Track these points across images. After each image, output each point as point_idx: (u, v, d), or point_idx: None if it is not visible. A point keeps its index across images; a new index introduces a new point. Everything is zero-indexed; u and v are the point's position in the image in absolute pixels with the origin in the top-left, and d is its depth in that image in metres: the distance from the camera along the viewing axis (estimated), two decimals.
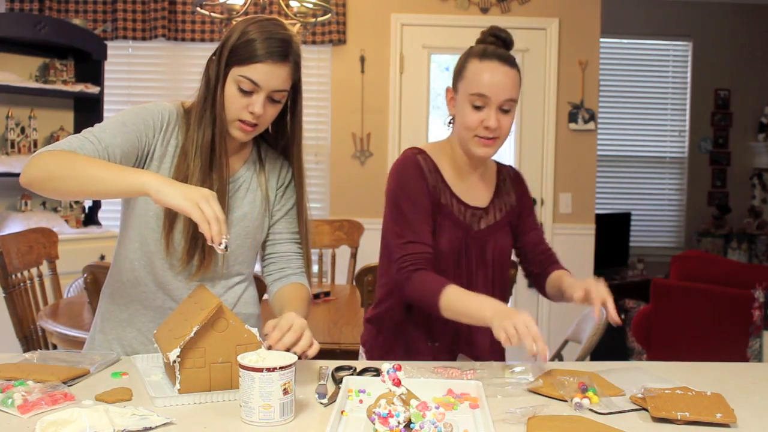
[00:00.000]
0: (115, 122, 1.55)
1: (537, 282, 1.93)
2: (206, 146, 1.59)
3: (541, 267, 1.91)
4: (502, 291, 1.86)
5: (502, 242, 1.86)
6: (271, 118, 1.61)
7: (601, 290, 1.63)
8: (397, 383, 1.24)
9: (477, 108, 1.71)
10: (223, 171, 1.61)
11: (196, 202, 1.34)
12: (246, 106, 1.55)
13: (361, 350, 1.93)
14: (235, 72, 1.54)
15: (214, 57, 1.59)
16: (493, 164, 1.93)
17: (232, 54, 1.55)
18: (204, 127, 1.59)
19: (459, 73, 1.77)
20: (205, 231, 1.35)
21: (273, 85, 1.55)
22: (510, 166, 1.98)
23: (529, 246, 1.92)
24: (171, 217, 1.58)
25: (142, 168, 1.59)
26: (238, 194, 1.68)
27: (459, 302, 1.63)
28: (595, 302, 1.61)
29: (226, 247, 1.36)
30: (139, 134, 1.56)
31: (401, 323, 1.83)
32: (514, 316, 1.50)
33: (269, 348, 1.39)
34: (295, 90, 1.64)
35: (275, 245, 1.75)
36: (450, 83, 1.81)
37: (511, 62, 1.74)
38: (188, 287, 1.62)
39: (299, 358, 1.37)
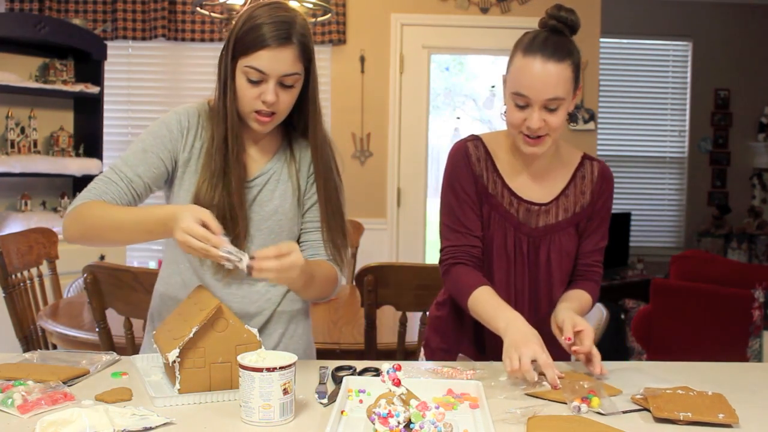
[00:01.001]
0: (137, 150, 1.59)
1: None
2: (221, 142, 1.58)
3: (573, 277, 1.77)
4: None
5: (559, 245, 1.71)
6: (288, 104, 1.57)
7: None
8: (397, 383, 1.23)
9: (519, 107, 1.59)
10: (240, 166, 1.59)
11: (184, 244, 1.37)
12: (258, 96, 1.53)
13: (422, 352, 1.88)
14: (242, 63, 1.52)
15: (224, 51, 1.58)
16: (576, 157, 1.77)
17: (237, 45, 1.53)
18: (219, 122, 1.59)
19: (508, 64, 1.64)
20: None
21: (280, 70, 1.52)
22: (598, 162, 1.77)
23: (579, 254, 1.75)
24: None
25: (174, 176, 1.63)
26: (268, 187, 1.65)
27: (481, 306, 1.60)
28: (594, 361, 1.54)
29: (248, 269, 1.38)
30: (161, 154, 1.59)
31: (449, 321, 1.80)
32: (521, 346, 1.45)
33: (251, 259, 1.38)
34: (307, 71, 1.59)
35: (306, 233, 1.71)
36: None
37: (559, 56, 1.57)
38: (229, 288, 1.63)
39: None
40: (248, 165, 1.65)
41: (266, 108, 1.54)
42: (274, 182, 1.66)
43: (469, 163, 1.70)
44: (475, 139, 1.74)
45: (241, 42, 1.52)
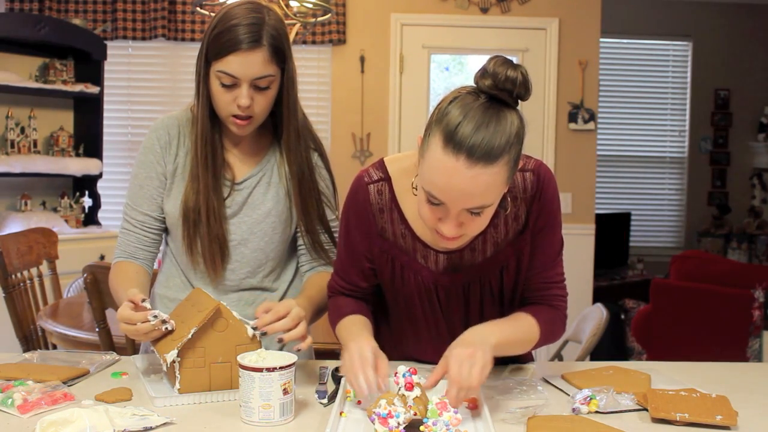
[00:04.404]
0: (135, 188, 1.64)
1: None
2: (194, 147, 1.59)
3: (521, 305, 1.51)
4: None
5: (490, 286, 1.47)
6: (265, 106, 1.55)
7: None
8: (410, 387, 1.22)
9: (433, 204, 1.27)
10: (215, 170, 1.59)
11: (126, 333, 1.39)
12: (233, 100, 1.51)
13: None
14: (214, 67, 1.51)
15: (198, 55, 1.57)
16: None
17: (209, 49, 1.52)
18: (192, 128, 1.60)
19: (424, 136, 1.27)
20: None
21: (252, 74, 1.49)
22: (531, 169, 1.43)
23: (526, 277, 1.49)
24: (190, 233, 1.60)
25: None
26: (259, 189, 1.64)
27: (344, 331, 1.48)
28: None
29: (164, 323, 1.36)
30: (155, 183, 1.63)
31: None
32: (345, 354, 1.35)
33: (254, 329, 1.37)
34: (284, 73, 1.56)
35: (303, 236, 1.70)
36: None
37: (490, 156, 1.19)
38: (220, 292, 1.64)
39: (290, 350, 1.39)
40: (235, 167, 1.64)
41: (241, 112, 1.52)
42: (265, 184, 1.65)
43: (367, 214, 1.47)
44: (380, 180, 1.46)
45: (213, 46, 1.51)
